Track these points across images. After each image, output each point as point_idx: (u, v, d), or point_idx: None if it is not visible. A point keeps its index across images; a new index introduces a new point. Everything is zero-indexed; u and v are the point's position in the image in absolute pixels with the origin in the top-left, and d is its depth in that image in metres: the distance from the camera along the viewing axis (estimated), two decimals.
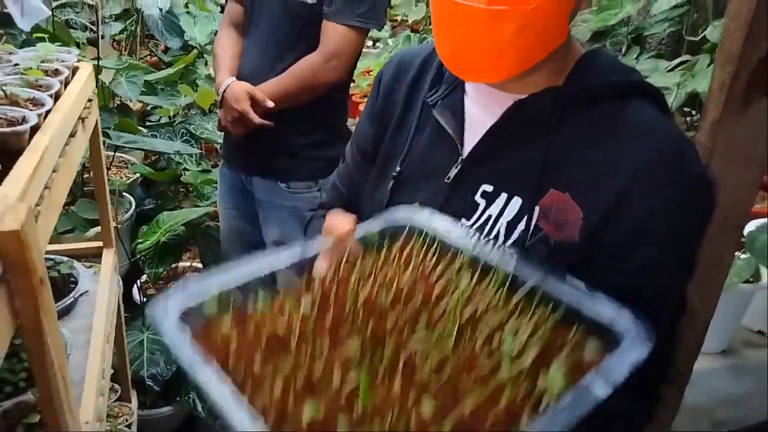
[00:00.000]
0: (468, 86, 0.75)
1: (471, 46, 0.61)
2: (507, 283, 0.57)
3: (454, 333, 0.52)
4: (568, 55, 0.68)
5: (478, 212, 0.69)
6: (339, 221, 0.71)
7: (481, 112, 0.72)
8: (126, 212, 2.09)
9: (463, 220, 0.70)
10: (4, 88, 0.90)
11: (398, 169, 0.76)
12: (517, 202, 0.67)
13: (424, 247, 0.64)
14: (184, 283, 0.57)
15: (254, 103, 1.52)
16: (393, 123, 0.81)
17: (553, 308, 0.55)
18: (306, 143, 1.63)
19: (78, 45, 2.90)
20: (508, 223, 0.67)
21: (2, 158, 0.76)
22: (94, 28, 3.91)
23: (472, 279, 0.58)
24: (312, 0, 1.50)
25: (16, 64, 1.08)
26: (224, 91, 1.56)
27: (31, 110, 0.87)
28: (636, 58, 2.11)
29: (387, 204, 0.76)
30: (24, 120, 0.82)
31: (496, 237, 0.67)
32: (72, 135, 1.02)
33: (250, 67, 1.61)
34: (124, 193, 2.21)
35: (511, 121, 0.68)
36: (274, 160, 1.64)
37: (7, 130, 0.77)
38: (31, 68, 1.00)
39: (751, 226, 1.42)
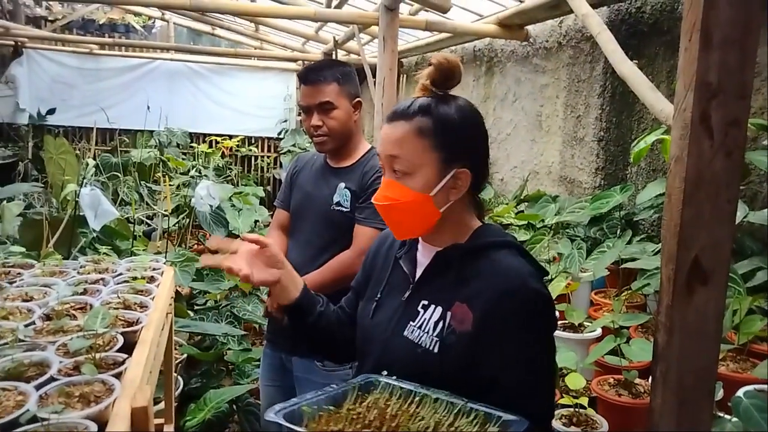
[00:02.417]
0: (419, 244, 1.17)
1: (389, 223, 1.12)
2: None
3: None
4: (469, 225, 1.13)
5: (419, 316, 1.09)
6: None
7: (423, 259, 1.16)
8: (176, 391, 2.29)
9: (411, 322, 1.09)
10: (120, 295, 1.18)
11: (379, 296, 1.19)
12: (438, 309, 1.07)
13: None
14: None
15: None
16: (377, 271, 1.26)
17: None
18: None
19: (135, 237, 3.31)
20: (434, 322, 1.06)
21: (123, 349, 1.02)
22: (149, 222, 4.43)
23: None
24: (347, 209, 1.86)
25: (120, 273, 1.39)
26: None
27: (139, 312, 1.15)
28: (629, 242, 2.38)
29: (372, 315, 1.18)
30: (138, 321, 1.09)
31: (428, 330, 1.06)
32: (161, 328, 1.29)
33: (296, 261, 1.92)
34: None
35: (436, 263, 1.12)
36: None
37: (129, 329, 1.04)
38: (136, 278, 1.30)
39: (740, 392, 1.56)
